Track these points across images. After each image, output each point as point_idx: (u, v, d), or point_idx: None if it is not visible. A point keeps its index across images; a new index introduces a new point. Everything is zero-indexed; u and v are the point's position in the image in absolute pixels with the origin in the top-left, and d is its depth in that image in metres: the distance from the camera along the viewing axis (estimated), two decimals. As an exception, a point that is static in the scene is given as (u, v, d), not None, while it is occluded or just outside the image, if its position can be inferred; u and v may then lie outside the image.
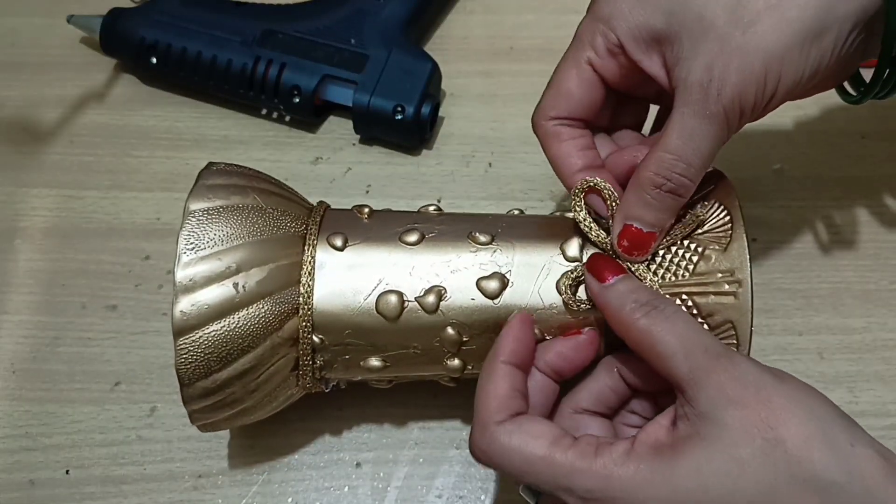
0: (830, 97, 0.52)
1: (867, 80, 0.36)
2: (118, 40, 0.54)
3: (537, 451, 0.29)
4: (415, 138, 0.51)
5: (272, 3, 0.55)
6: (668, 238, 0.35)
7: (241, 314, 0.33)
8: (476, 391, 0.32)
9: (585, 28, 0.35)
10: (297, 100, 0.51)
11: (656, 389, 0.33)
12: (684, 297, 0.33)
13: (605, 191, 0.35)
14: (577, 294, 0.34)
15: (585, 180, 0.35)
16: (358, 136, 0.52)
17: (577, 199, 0.35)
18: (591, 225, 0.35)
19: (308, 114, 0.52)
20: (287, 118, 0.53)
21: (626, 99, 0.38)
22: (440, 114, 0.53)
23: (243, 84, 0.51)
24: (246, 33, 0.52)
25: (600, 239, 0.35)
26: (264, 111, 0.53)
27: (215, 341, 0.32)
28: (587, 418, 0.33)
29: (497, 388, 0.31)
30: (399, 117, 0.49)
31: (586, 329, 0.34)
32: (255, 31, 0.52)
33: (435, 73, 0.51)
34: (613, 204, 0.35)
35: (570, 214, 0.36)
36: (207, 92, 0.53)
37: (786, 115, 0.52)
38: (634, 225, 0.34)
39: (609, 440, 0.29)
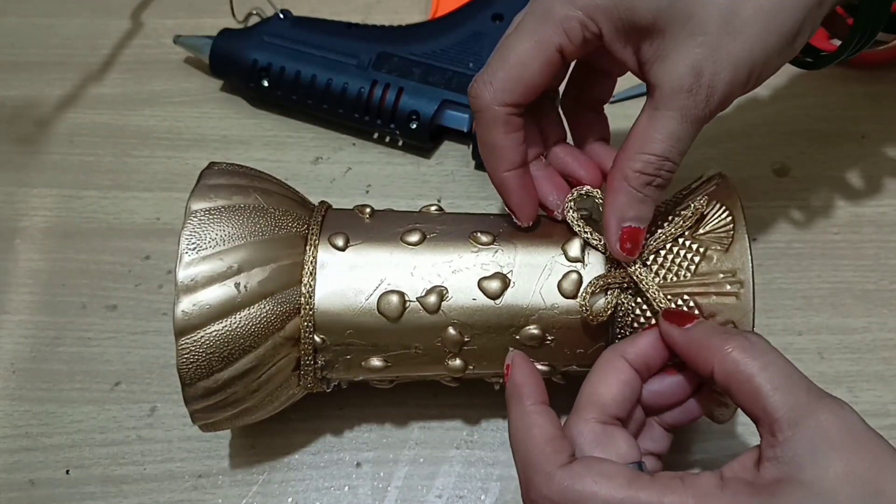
0: (831, 97, 0.53)
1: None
2: (229, 62, 0.52)
3: (617, 493, 0.26)
4: None
5: (386, 25, 0.53)
6: (670, 234, 0.35)
7: (242, 314, 0.33)
8: (514, 442, 0.30)
9: (560, 12, 0.32)
10: (415, 125, 0.49)
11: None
12: (686, 297, 0.33)
13: (598, 198, 0.35)
14: (595, 305, 0.34)
15: (578, 187, 0.36)
16: (473, 162, 0.50)
17: (571, 203, 0.36)
18: (589, 230, 0.35)
19: (425, 139, 0.50)
20: (400, 143, 0.51)
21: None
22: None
23: (359, 109, 0.50)
24: (360, 56, 0.50)
25: (600, 243, 0.35)
26: (376, 135, 0.51)
27: (217, 341, 0.32)
28: (615, 430, 0.30)
29: (544, 430, 0.29)
30: None
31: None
32: (370, 54, 0.50)
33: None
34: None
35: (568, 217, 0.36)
36: (319, 116, 0.52)
37: (786, 114, 0.52)
38: (631, 225, 0.33)
39: (689, 473, 0.28)
